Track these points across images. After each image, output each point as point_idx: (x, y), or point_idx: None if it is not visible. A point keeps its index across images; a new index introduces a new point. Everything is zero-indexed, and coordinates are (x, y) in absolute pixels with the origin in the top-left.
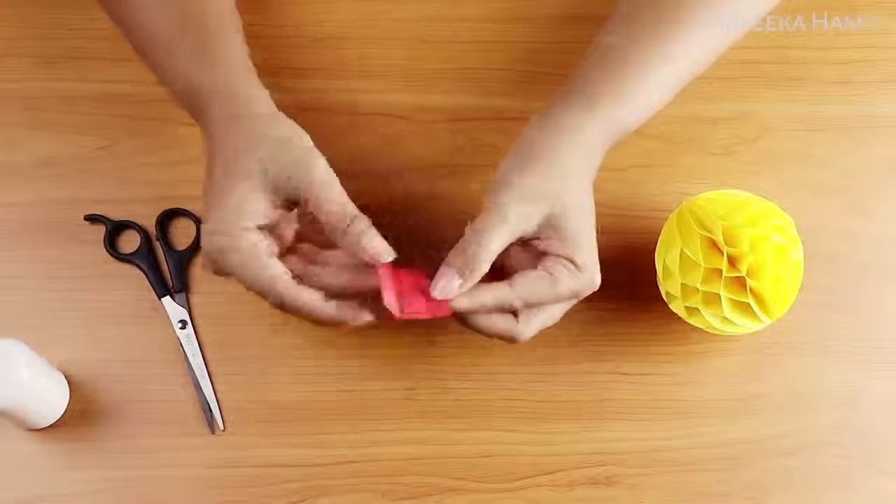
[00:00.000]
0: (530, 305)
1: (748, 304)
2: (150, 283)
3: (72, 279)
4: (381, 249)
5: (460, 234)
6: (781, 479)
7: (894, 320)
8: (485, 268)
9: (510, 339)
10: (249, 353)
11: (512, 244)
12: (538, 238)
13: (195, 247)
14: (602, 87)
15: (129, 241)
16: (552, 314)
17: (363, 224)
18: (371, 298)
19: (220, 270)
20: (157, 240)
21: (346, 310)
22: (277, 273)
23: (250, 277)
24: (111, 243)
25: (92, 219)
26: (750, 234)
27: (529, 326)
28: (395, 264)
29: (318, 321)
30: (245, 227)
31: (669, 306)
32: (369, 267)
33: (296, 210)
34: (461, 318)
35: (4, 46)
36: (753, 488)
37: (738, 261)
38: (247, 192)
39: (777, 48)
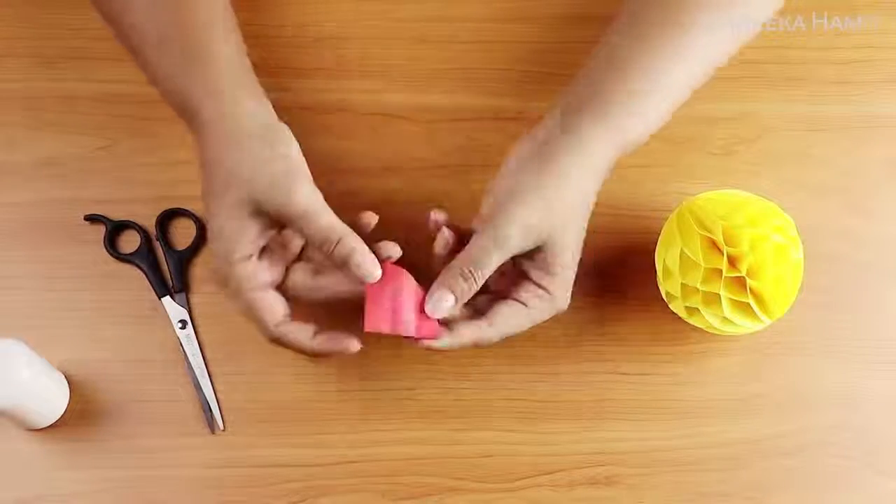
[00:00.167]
0: (506, 335)
1: (748, 304)
2: (150, 283)
3: (72, 279)
4: (366, 271)
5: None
6: (781, 479)
7: (894, 320)
8: (477, 288)
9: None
10: (250, 353)
11: None
12: (523, 257)
13: (195, 247)
14: (614, 96)
15: (129, 241)
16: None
17: (349, 245)
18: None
19: (220, 287)
20: (157, 240)
21: (334, 342)
22: (267, 307)
23: (242, 312)
24: (111, 243)
25: (92, 219)
26: (750, 234)
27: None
28: (393, 270)
29: (309, 355)
30: (238, 259)
31: (669, 306)
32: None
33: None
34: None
35: (4, 46)
36: (753, 488)
37: (738, 261)
38: (235, 222)
39: (777, 48)
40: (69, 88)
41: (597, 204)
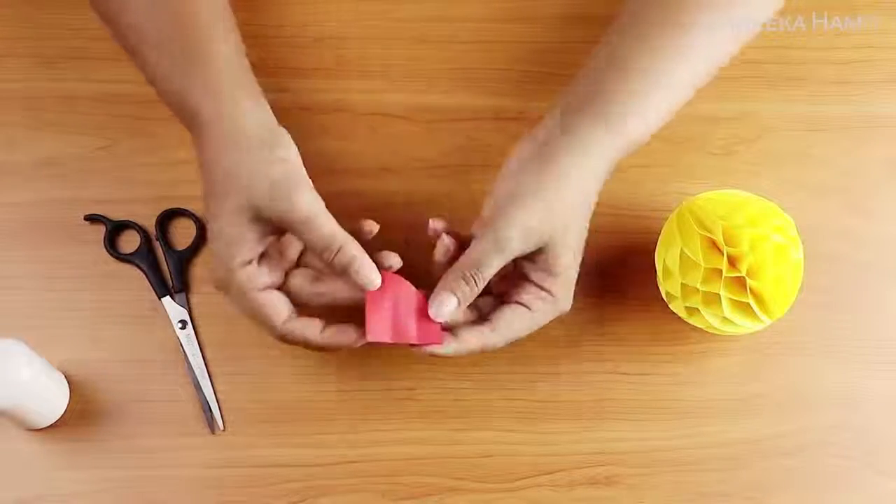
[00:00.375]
0: (511, 340)
1: (748, 304)
2: (150, 283)
3: (72, 279)
4: (366, 279)
5: (461, 234)
6: (781, 479)
7: (894, 320)
8: (478, 291)
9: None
10: (249, 353)
11: None
12: (524, 259)
13: (195, 247)
14: (615, 96)
15: (129, 241)
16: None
17: (349, 253)
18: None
19: (221, 290)
20: (157, 240)
21: (344, 335)
22: (272, 306)
23: (248, 313)
24: (111, 243)
25: (92, 219)
26: (750, 234)
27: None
28: (392, 279)
29: (317, 349)
30: (238, 264)
31: (669, 306)
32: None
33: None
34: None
35: (4, 46)
36: (753, 488)
37: (738, 261)
38: (235, 228)
39: (777, 48)
40: (69, 88)
41: (597, 204)
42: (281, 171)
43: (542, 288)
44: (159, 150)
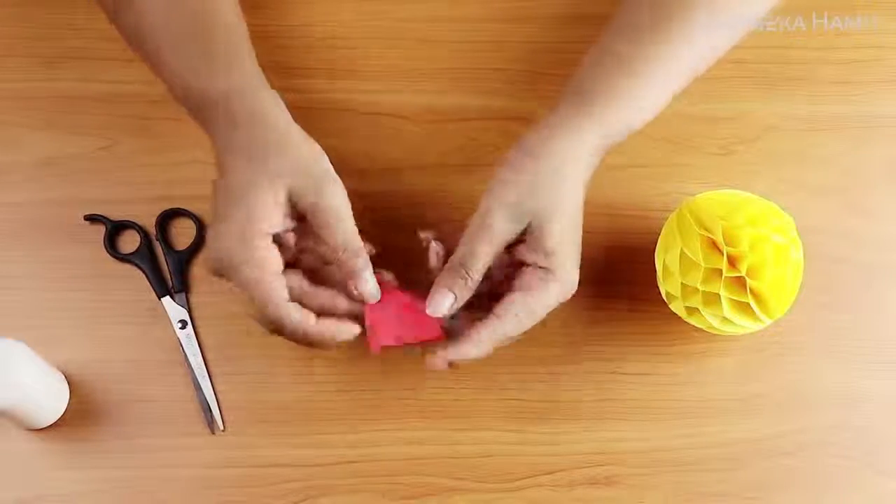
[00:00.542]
0: (523, 328)
1: (748, 304)
2: (150, 283)
3: (72, 279)
4: (368, 294)
5: (461, 234)
6: (781, 479)
7: (894, 320)
8: (474, 285)
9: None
10: (249, 353)
11: None
12: (520, 242)
13: (195, 247)
14: (597, 87)
15: (129, 241)
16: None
17: (360, 263)
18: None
19: (220, 273)
20: (157, 240)
21: (337, 326)
22: (280, 284)
23: (249, 286)
24: (111, 243)
25: (92, 219)
26: (750, 234)
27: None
28: (387, 287)
29: (307, 342)
30: (260, 233)
31: (669, 306)
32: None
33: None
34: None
35: (4, 46)
36: (753, 488)
37: (738, 261)
38: (268, 198)
39: (777, 48)
40: (69, 88)
41: (597, 204)
42: (321, 167)
43: (538, 267)
44: (159, 150)
